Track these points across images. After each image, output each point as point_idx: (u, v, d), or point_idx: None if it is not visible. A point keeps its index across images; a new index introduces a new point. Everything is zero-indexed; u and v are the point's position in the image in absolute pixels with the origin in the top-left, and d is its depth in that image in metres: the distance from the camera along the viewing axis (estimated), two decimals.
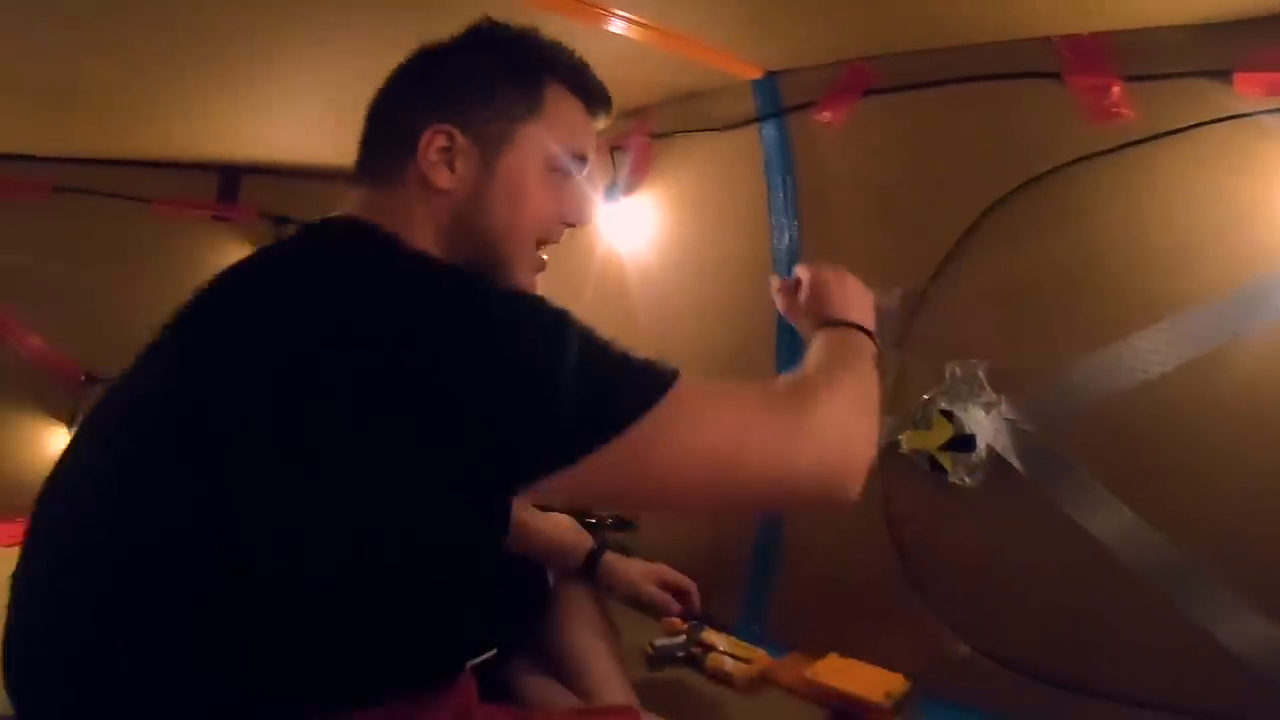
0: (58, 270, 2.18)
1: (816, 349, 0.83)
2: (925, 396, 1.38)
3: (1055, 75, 1.27)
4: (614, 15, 1.30)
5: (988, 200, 1.34)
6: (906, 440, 1.39)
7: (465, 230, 0.77)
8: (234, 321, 0.65)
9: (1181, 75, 1.15)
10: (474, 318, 0.60)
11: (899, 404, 1.40)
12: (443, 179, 0.76)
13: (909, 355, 1.40)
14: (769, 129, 1.62)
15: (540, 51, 0.82)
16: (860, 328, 0.86)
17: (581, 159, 0.83)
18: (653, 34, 1.39)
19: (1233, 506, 1.13)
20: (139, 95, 1.55)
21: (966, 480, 1.33)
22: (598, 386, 0.61)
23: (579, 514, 1.83)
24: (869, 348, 0.84)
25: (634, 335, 1.71)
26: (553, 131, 0.80)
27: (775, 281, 1.01)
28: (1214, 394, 1.15)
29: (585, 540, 1.22)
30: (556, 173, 0.81)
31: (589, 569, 1.20)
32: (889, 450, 1.39)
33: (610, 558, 1.22)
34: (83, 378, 2.25)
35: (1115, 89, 1.22)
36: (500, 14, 1.13)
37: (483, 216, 0.77)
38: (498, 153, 0.77)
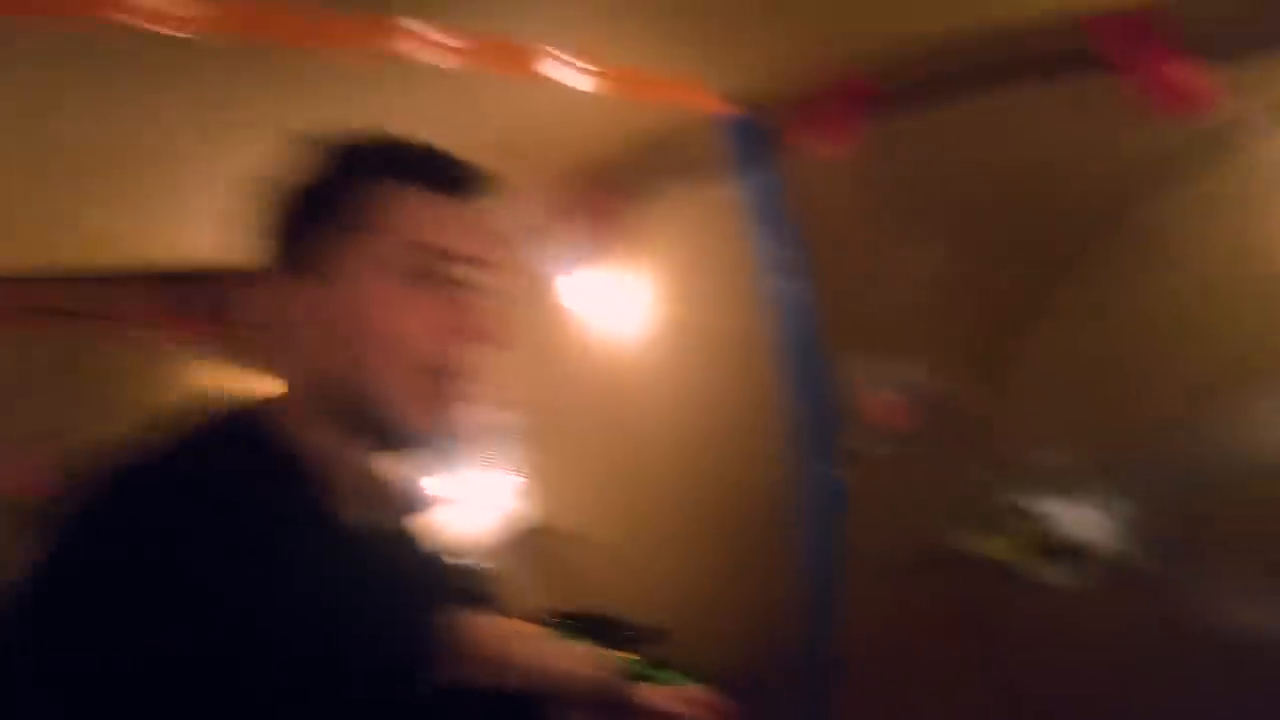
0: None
1: None
2: (1001, 493, 1.21)
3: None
4: (551, 60, 1.14)
5: (1074, 233, 1.12)
6: (984, 546, 1.22)
7: (321, 379, 0.70)
8: None
9: None
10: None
11: (967, 500, 1.24)
12: (281, 333, 0.70)
13: (972, 443, 1.22)
14: (751, 173, 1.39)
15: (361, 160, 0.73)
16: None
17: (448, 255, 0.71)
18: (599, 77, 1.19)
19: None
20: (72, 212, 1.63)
21: (1065, 583, 1.18)
22: None
23: (605, 623, 1.67)
24: None
25: (603, 434, 1.65)
26: (398, 239, 0.70)
27: None
28: None
29: (601, 669, 1.06)
30: (420, 282, 0.70)
31: (608, 700, 1.04)
32: (961, 549, 1.23)
33: (635, 687, 1.06)
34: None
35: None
36: (417, 83, 1.13)
37: (332, 359, 0.69)
38: (330, 284, 0.69)
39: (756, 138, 1.36)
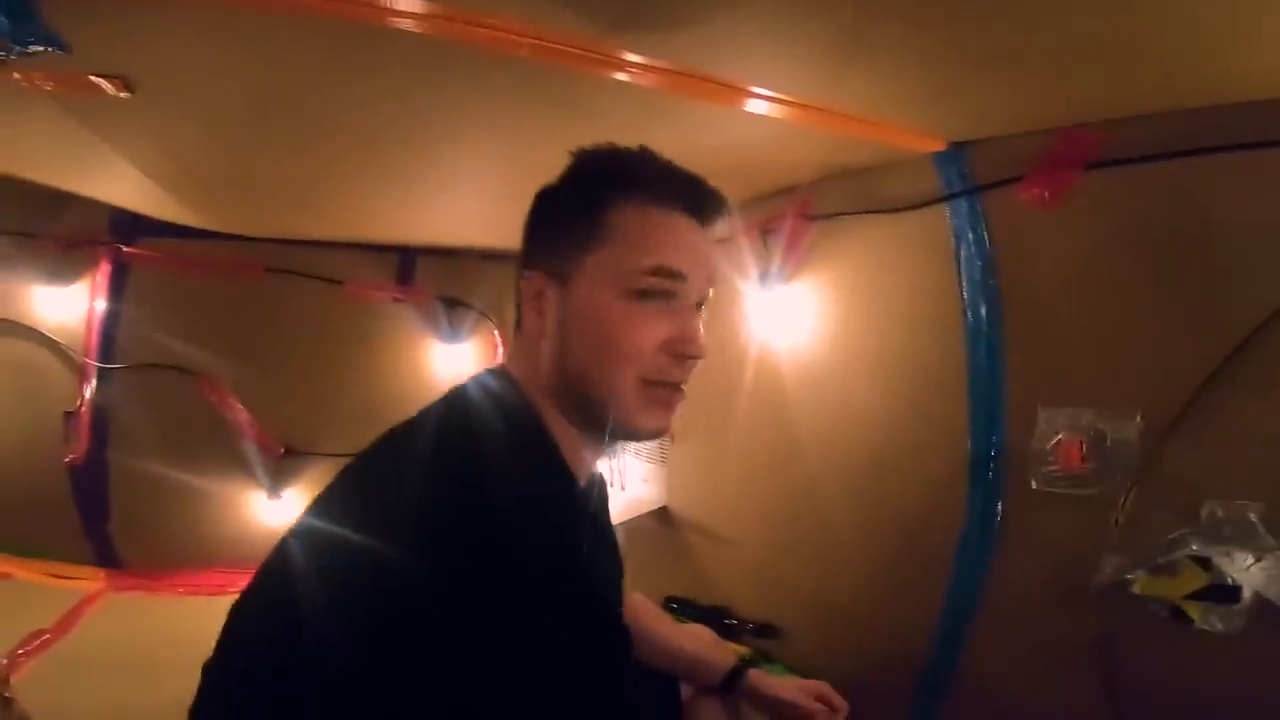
0: (266, 347, 2.44)
1: None
2: (1171, 537, 1.17)
3: None
4: (758, 96, 1.18)
5: (1266, 304, 1.05)
6: (1142, 585, 1.20)
7: (560, 375, 0.76)
8: (352, 500, 0.72)
9: None
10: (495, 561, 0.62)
11: (1131, 542, 1.21)
12: (530, 324, 0.77)
13: (1147, 490, 1.18)
14: (958, 209, 1.36)
15: (603, 172, 0.78)
16: None
17: (672, 274, 0.75)
18: (809, 113, 1.23)
19: None
20: (329, 185, 1.80)
21: (1219, 627, 1.15)
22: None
23: (719, 614, 1.74)
24: None
25: (793, 445, 1.66)
26: (625, 254, 0.74)
27: None
28: None
29: (726, 655, 1.12)
30: (642, 298, 0.74)
31: (730, 684, 1.10)
32: (1115, 588, 1.20)
33: (757, 674, 1.11)
34: (282, 450, 2.44)
35: None
36: (636, 110, 1.21)
37: (568, 359, 0.75)
38: (570, 289, 0.75)
39: (966, 176, 1.35)
